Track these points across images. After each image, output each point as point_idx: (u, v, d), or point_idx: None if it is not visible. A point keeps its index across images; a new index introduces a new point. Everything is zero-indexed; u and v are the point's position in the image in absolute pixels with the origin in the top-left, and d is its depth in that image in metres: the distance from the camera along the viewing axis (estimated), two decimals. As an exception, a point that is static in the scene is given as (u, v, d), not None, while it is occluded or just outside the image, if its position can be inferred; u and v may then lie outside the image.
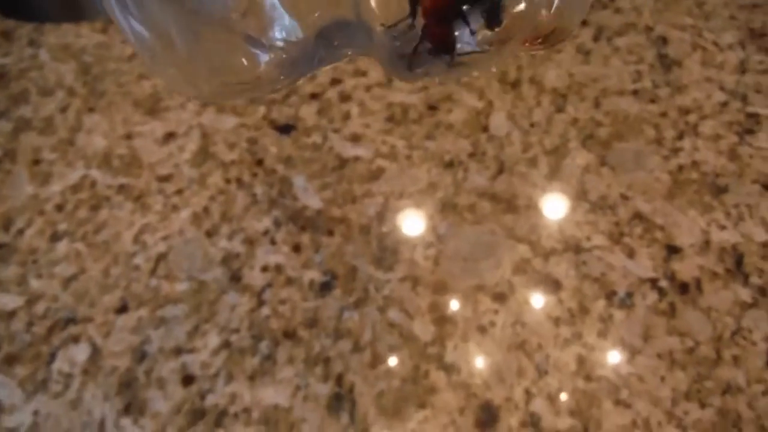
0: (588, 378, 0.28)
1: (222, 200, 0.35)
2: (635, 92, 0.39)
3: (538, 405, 0.27)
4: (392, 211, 0.34)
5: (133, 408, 0.28)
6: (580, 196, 0.34)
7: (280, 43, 0.19)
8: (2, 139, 0.39)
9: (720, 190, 0.34)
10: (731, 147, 0.36)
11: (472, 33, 0.20)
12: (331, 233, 0.33)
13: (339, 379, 0.28)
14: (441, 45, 0.20)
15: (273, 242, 0.33)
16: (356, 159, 0.36)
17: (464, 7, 0.19)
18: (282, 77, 0.21)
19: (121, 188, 0.36)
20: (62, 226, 0.34)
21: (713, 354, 0.28)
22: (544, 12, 0.21)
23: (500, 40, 0.20)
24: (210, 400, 0.28)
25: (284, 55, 0.19)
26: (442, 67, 0.21)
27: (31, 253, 0.33)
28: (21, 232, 0.34)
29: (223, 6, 0.18)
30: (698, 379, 0.27)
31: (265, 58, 0.19)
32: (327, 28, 0.19)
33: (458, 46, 0.20)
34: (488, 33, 0.20)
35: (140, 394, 0.28)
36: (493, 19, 0.20)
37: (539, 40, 0.22)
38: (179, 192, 0.35)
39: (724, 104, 0.38)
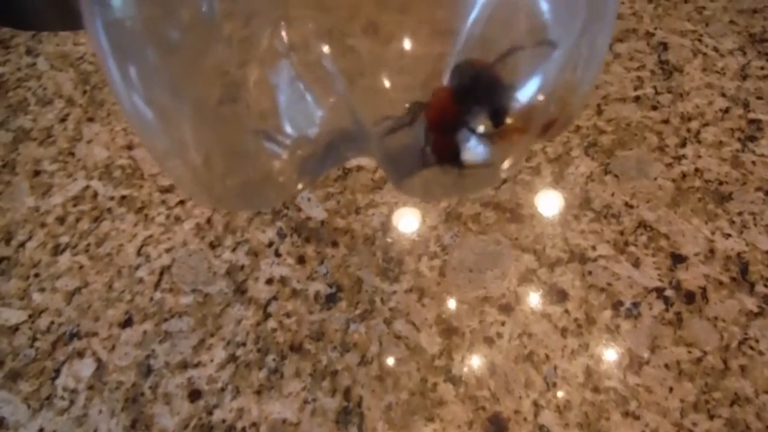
0: (596, 389, 0.28)
1: (225, 211, 0.35)
2: (637, 99, 0.39)
3: (547, 417, 0.27)
4: (396, 221, 0.34)
5: (139, 424, 0.28)
6: (584, 204, 0.34)
7: (294, 140, 0.19)
8: (1, 150, 0.39)
9: (724, 198, 0.34)
10: (734, 154, 0.36)
11: (479, 138, 0.20)
12: (335, 244, 0.33)
13: (347, 393, 0.28)
14: (447, 156, 0.20)
15: (278, 254, 0.33)
16: (359, 168, 0.36)
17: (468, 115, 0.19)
18: (295, 176, 0.20)
19: (123, 200, 0.36)
20: (64, 239, 0.34)
21: (720, 364, 0.28)
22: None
23: (508, 138, 0.20)
24: (217, 415, 0.28)
25: (299, 152, 0.19)
26: (450, 179, 0.21)
27: (33, 266, 0.33)
28: (22, 245, 0.34)
29: (245, 106, 0.18)
30: (706, 390, 0.27)
31: (280, 154, 0.19)
32: (333, 135, 0.19)
33: (466, 155, 0.20)
34: (493, 133, 0.20)
35: (147, 409, 0.28)
36: (497, 118, 0.19)
37: (543, 132, 0.22)
38: (182, 203, 0.35)
39: (726, 111, 0.38)
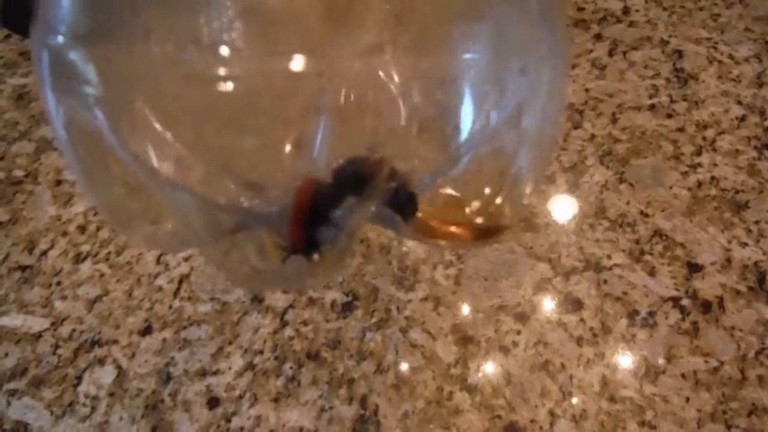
0: (612, 399, 0.28)
1: (242, 220, 0.35)
2: (652, 107, 0.39)
3: (563, 426, 0.27)
4: (412, 230, 0.34)
5: (159, 431, 0.28)
6: (599, 213, 0.34)
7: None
8: (24, 160, 0.39)
9: (740, 207, 0.34)
10: (750, 162, 0.36)
11: (332, 240, 0.19)
12: (351, 253, 0.33)
13: (363, 401, 0.28)
14: (297, 245, 0.20)
15: (294, 263, 0.33)
16: (375, 177, 0.36)
17: (338, 211, 0.19)
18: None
19: (143, 209, 0.36)
20: (85, 247, 0.35)
21: (738, 374, 0.28)
22: (474, 204, 0.21)
23: (420, 234, 0.20)
24: (235, 422, 0.28)
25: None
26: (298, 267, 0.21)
27: (55, 274, 0.34)
28: (44, 253, 0.35)
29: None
30: (723, 400, 0.27)
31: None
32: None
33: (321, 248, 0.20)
34: (406, 225, 0.20)
35: (166, 416, 0.28)
36: (405, 211, 0.19)
37: (470, 237, 0.22)
38: (200, 212, 0.36)
39: (742, 119, 0.38)
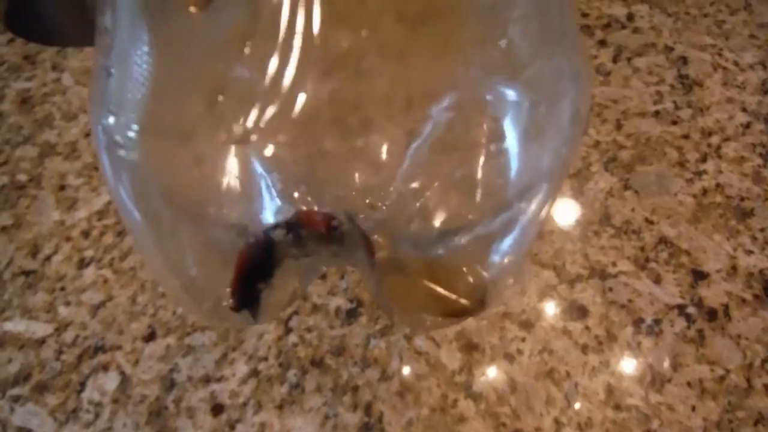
0: (618, 407, 0.28)
1: (247, 226, 0.35)
2: (656, 113, 0.39)
3: (568, 435, 0.27)
4: (416, 236, 0.34)
5: (163, 438, 0.28)
6: (603, 220, 0.34)
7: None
8: (28, 165, 0.39)
9: (745, 214, 0.34)
10: (755, 170, 0.36)
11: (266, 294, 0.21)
12: (356, 259, 0.33)
13: (368, 408, 0.28)
14: (235, 303, 0.21)
15: (298, 269, 0.33)
16: (379, 183, 0.36)
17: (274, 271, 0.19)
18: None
19: (146, 214, 0.36)
20: (89, 253, 0.35)
21: (744, 383, 0.28)
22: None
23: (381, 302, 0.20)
24: (240, 430, 0.28)
25: None
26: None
27: (58, 280, 0.34)
28: (48, 258, 0.35)
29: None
30: (730, 409, 0.27)
31: None
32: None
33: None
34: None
35: (170, 423, 0.28)
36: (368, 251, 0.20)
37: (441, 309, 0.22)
38: (204, 217, 0.36)
39: (747, 126, 0.38)
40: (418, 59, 0.16)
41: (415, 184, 0.17)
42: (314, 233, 0.19)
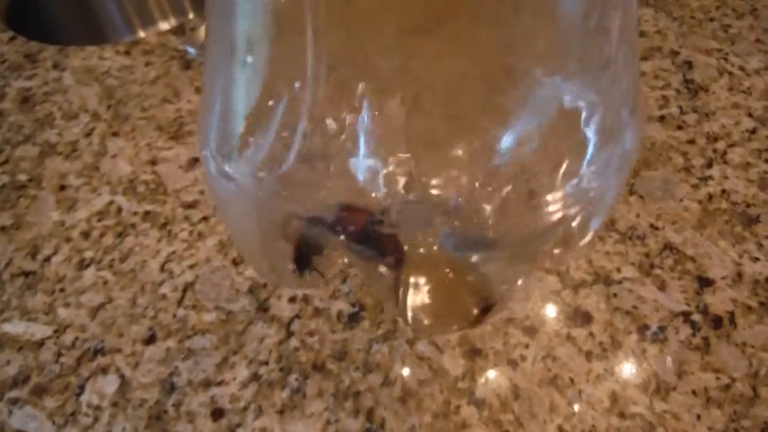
0: (622, 415, 0.27)
1: (248, 228, 0.35)
2: (662, 118, 0.39)
3: (572, 443, 0.27)
4: (419, 240, 0.34)
5: (162, 442, 0.28)
6: (608, 225, 0.34)
7: None
8: (28, 164, 0.39)
9: (751, 220, 0.33)
10: (761, 176, 0.35)
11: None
12: (358, 263, 0.33)
13: (369, 414, 0.28)
14: (295, 267, 0.25)
15: (300, 272, 0.33)
16: (382, 186, 0.36)
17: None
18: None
19: (147, 215, 0.36)
20: (89, 254, 0.34)
21: (750, 391, 0.28)
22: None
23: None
24: (240, 434, 0.28)
25: None
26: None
27: (58, 281, 0.33)
28: (48, 259, 0.34)
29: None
30: (735, 418, 0.27)
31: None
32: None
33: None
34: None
35: (170, 427, 0.28)
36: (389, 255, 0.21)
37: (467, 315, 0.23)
38: (205, 219, 0.35)
39: (753, 131, 0.38)
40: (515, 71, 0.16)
41: (496, 188, 0.18)
42: (349, 230, 0.20)
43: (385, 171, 0.17)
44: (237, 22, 0.17)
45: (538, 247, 0.21)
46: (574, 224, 0.20)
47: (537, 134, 0.17)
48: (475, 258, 0.21)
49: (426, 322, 0.24)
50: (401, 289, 0.23)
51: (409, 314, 0.24)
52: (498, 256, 0.20)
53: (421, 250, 0.20)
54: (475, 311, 0.23)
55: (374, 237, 0.20)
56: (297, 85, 0.17)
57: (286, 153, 0.18)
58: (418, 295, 0.23)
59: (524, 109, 0.16)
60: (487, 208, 0.18)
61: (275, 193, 0.20)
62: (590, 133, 0.17)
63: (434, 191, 0.18)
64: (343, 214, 0.19)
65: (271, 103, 0.17)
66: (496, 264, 0.21)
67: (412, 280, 0.22)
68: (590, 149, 0.18)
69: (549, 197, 0.18)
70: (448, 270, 0.22)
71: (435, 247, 0.20)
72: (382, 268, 0.22)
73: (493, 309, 0.23)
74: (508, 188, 0.18)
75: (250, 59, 0.17)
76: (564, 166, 0.18)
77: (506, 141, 0.17)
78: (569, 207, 0.19)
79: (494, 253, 0.20)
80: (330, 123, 0.17)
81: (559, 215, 0.19)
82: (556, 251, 0.22)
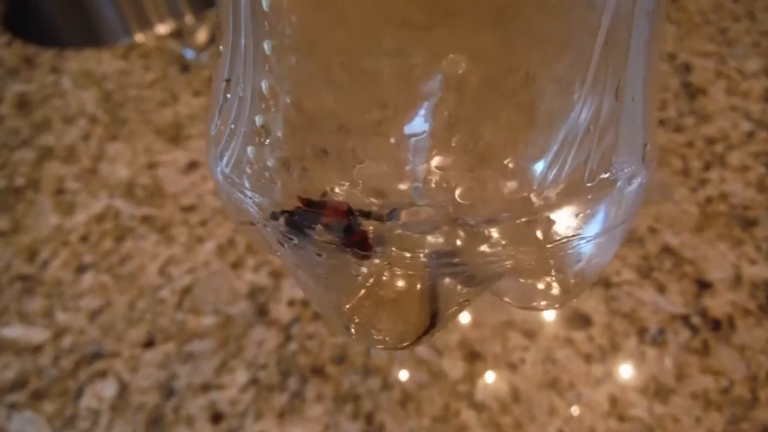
0: (621, 418, 0.27)
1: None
2: (661, 121, 0.39)
3: (572, 446, 0.27)
4: (418, 243, 0.34)
5: (161, 447, 0.28)
6: (607, 228, 0.34)
7: None
8: (26, 168, 0.39)
9: (749, 223, 0.33)
10: (759, 178, 0.35)
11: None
12: (357, 266, 0.33)
13: (369, 418, 0.28)
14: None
15: (299, 275, 0.33)
16: (381, 189, 0.36)
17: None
18: None
19: (145, 219, 0.36)
20: (87, 258, 0.34)
21: (749, 394, 0.28)
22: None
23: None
24: (239, 439, 0.28)
25: None
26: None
27: (56, 285, 0.33)
28: (46, 263, 0.34)
29: None
30: (734, 421, 0.27)
31: None
32: None
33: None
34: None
35: (169, 431, 0.28)
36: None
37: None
38: (203, 223, 0.35)
39: (751, 134, 0.38)
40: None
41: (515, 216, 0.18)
42: (330, 221, 0.19)
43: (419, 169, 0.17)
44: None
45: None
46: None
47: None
48: (448, 280, 0.20)
49: (372, 331, 0.24)
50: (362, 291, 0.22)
51: (355, 319, 0.23)
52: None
53: (407, 254, 0.20)
54: (421, 330, 0.22)
55: (351, 229, 0.19)
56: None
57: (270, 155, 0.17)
58: (372, 302, 0.22)
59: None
60: (494, 232, 0.18)
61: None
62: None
63: (459, 199, 0.18)
64: (329, 203, 0.19)
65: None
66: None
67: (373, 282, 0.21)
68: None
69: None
70: (416, 282, 0.21)
71: (421, 257, 0.20)
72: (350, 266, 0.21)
73: (433, 329, 0.22)
74: (526, 218, 0.17)
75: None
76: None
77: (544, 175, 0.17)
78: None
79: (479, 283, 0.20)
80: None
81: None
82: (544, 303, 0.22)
